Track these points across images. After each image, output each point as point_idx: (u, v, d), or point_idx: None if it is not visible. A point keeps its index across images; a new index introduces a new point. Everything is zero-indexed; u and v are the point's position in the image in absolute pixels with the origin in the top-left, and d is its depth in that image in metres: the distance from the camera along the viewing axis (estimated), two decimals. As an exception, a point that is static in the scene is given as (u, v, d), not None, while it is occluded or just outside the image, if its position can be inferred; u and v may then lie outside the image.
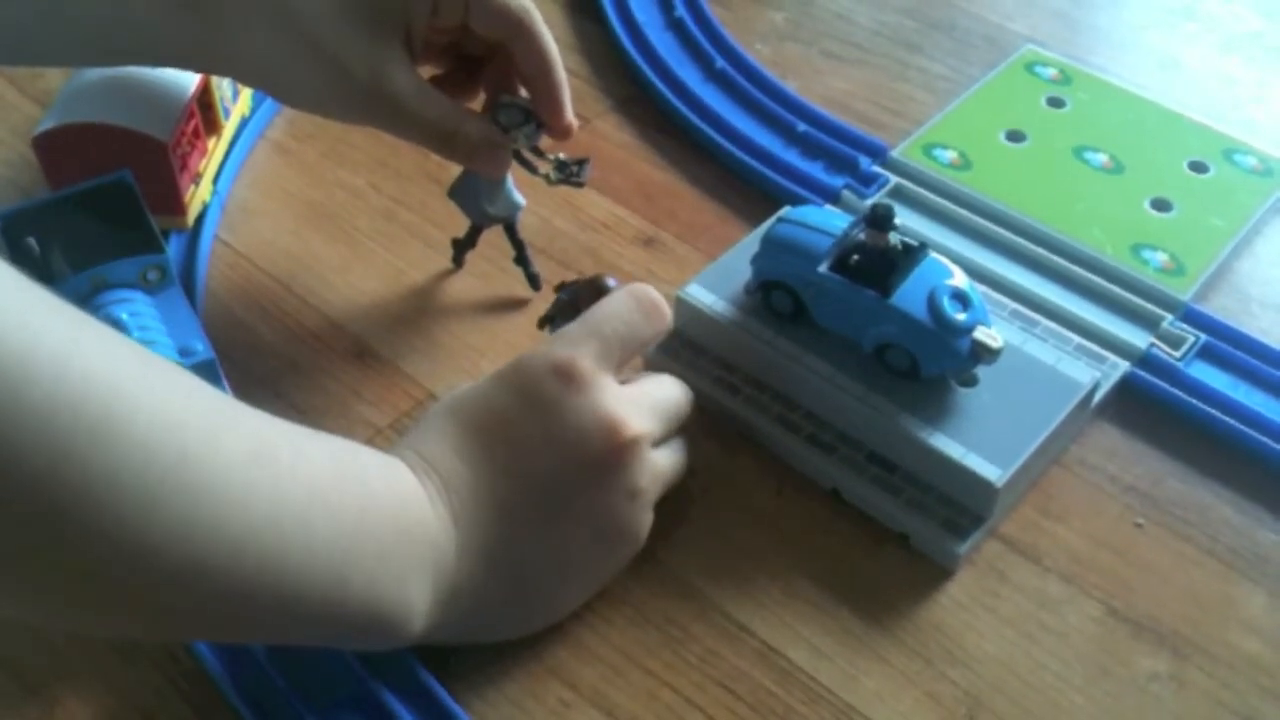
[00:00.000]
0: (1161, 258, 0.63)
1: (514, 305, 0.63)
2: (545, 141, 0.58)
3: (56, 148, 0.62)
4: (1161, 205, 0.66)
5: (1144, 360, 0.59)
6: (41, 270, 0.54)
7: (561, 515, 0.47)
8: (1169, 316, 0.60)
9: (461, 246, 0.64)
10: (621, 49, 0.78)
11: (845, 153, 0.70)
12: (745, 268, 0.58)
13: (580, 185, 0.60)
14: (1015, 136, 0.70)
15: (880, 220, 0.53)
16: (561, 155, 0.59)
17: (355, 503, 0.42)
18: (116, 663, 0.48)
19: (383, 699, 0.46)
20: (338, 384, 0.59)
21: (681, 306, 0.59)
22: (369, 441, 0.46)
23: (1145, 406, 0.58)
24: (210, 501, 0.36)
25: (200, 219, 0.66)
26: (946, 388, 0.54)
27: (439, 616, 0.45)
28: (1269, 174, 0.68)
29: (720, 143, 0.71)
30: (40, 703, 0.47)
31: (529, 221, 0.64)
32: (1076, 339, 0.59)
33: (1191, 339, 0.59)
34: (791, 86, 0.75)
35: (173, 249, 0.63)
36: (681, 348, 0.59)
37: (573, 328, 0.50)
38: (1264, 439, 0.55)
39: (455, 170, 0.60)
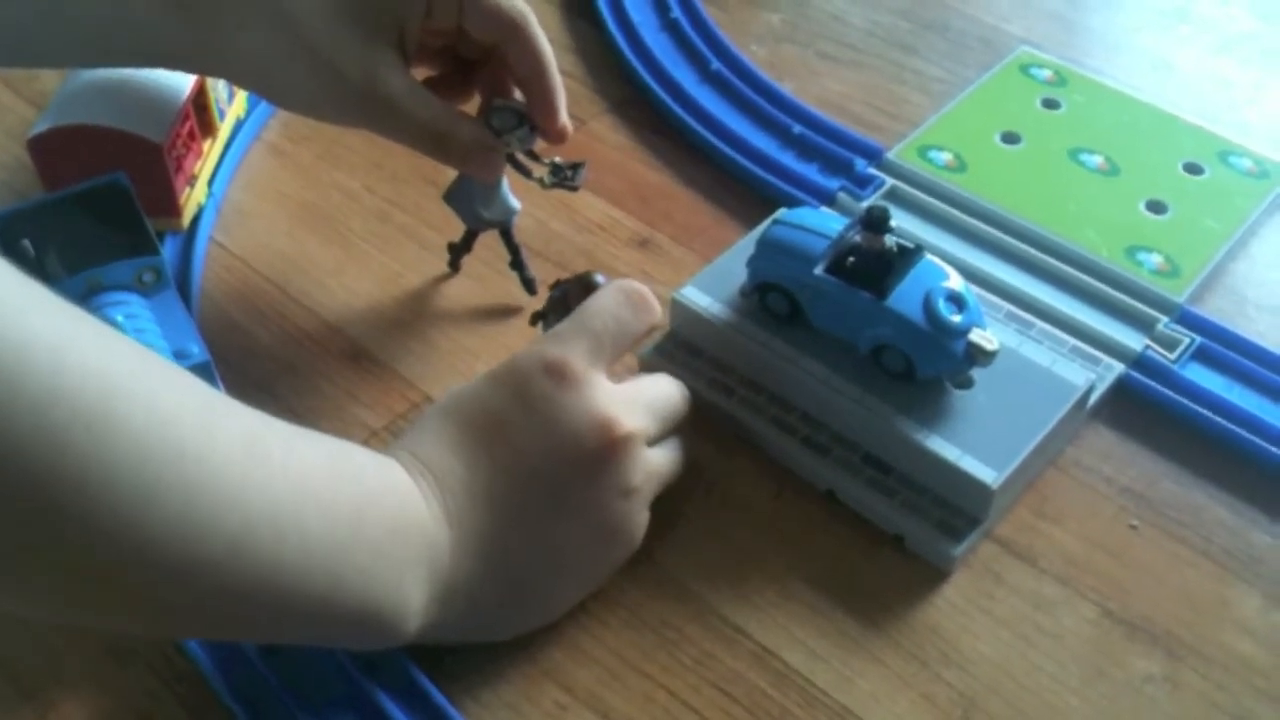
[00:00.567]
0: (1156, 260, 0.63)
1: (509, 308, 0.63)
2: (541, 145, 0.58)
3: (51, 150, 0.61)
4: (1156, 207, 0.66)
5: (1139, 362, 0.59)
6: (36, 272, 0.53)
7: (556, 513, 0.47)
8: (1164, 318, 0.60)
9: (457, 250, 0.64)
10: (617, 50, 0.78)
11: (841, 155, 0.70)
12: (741, 270, 0.58)
13: (574, 189, 0.60)
14: (1010, 138, 0.70)
15: (876, 222, 0.53)
16: (557, 159, 0.59)
17: (350, 500, 0.42)
18: (112, 665, 0.48)
19: (377, 700, 0.46)
20: (333, 386, 0.59)
21: (677, 308, 0.59)
22: (364, 444, 0.46)
23: (1140, 408, 0.58)
24: (206, 497, 0.36)
25: (195, 221, 0.66)
26: (942, 390, 0.54)
27: (434, 615, 0.45)
28: (1264, 176, 0.68)
29: (716, 144, 0.71)
30: (36, 705, 0.47)
31: (524, 223, 0.64)
32: (1072, 341, 0.59)
33: (1186, 341, 0.59)
34: (787, 88, 0.75)
35: (168, 251, 0.63)
36: (677, 349, 0.59)
37: (563, 326, 0.50)
38: (1259, 441, 0.55)
39: (451, 173, 0.60)
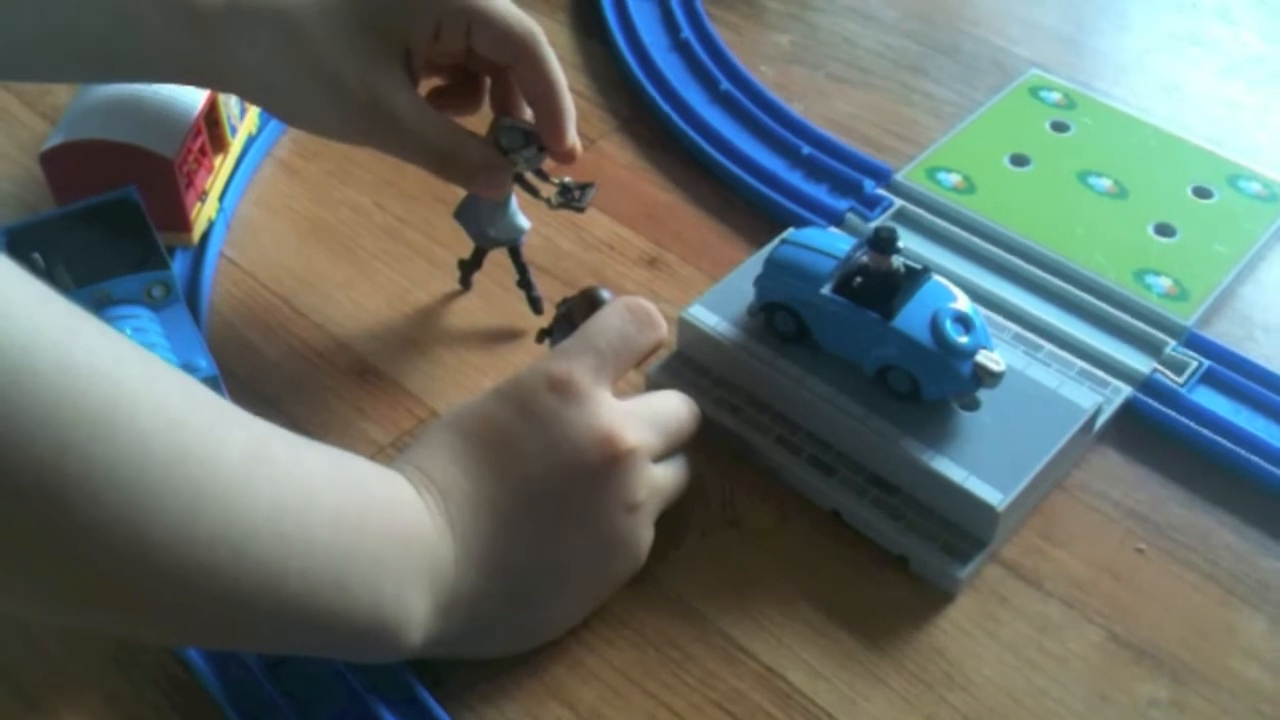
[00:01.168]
0: (1165, 283, 0.63)
1: (517, 326, 0.63)
2: (550, 164, 0.58)
3: (63, 163, 0.62)
4: (1165, 230, 0.66)
5: (1146, 385, 0.59)
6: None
7: (559, 527, 0.47)
8: (1172, 342, 0.60)
9: (468, 268, 0.64)
10: (627, 70, 0.79)
11: (849, 175, 0.70)
12: (748, 289, 0.58)
13: (581, 210, 0.59)
14: (1019, 160, 0.70)
15: (883, 243, 0.53)
16: (566, 179, 0.59)
17: (354, 509, 0.42)
18: (113, 675, 0.48)
19: (378, 714, 0.46)
20: (340, 401, 0.59)
21: (684, 327, 0.59)
22: (371, 459, 0.46)
23: (1147, 431, 0.58)
24: (210, 500, 0.36)
25: (206, 236, 0.66)
26: (948, 411, 0.54)
27: (437, 629, 0.45)
28: (1273, 199, 0.68)
29: (724, 164, 0.71)
30: (38, 716, 0.47)
31: (533, 241, 0.64)
32: (1079, 363, 0.59)
33: (1194, 364, 0.59)
34: (796, 109, 0.75)
35: (178, 265, 0.64)
36: (684, 368, 0.59)
37: (569, 342, 0.50)
38: (1266, 465, 0.55)
39: (461, 190, 0.60)
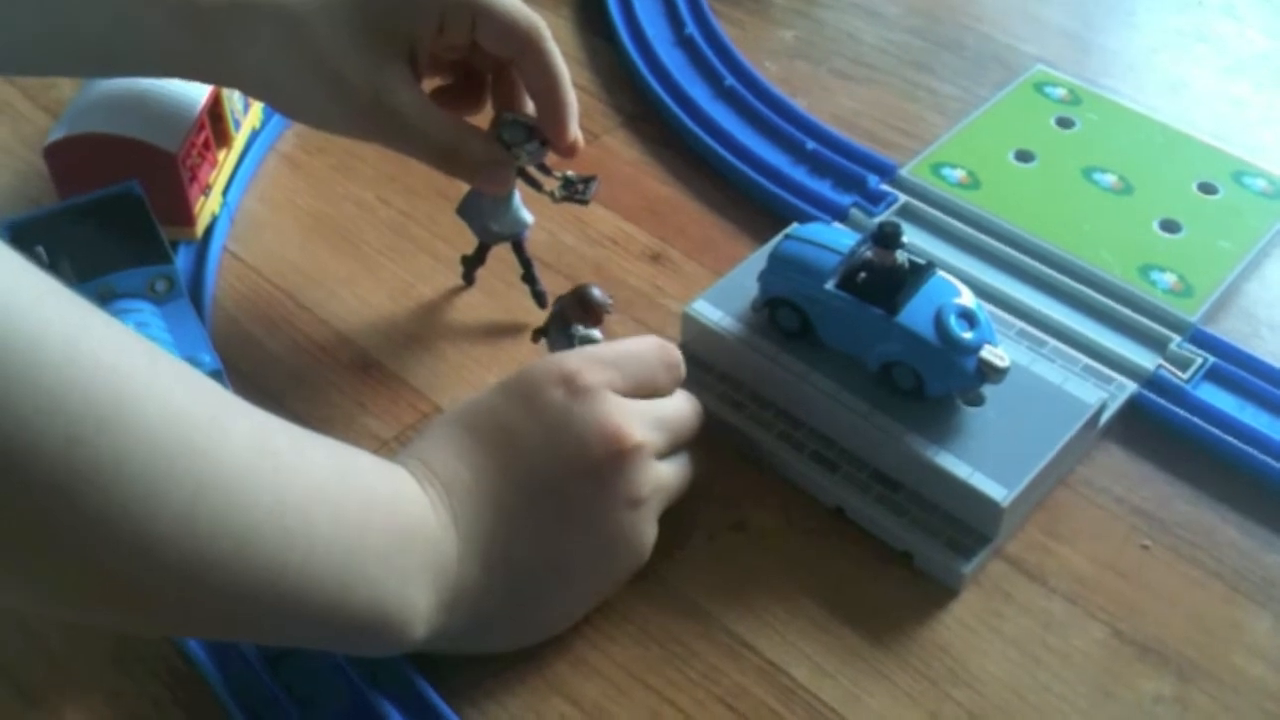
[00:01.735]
0: (1170, 279, 0.63)
1: (521, 320, 0.62)
2: (553, 158, 0.58)
3: (67, 158, 0.62)
4: (1170, 226, 0.66)
5: (1151, 381, 0.58)
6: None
7: (562, 522, 0.47)
8: (1177, 338, 0.60)
9: (471, 263, 0.64)
10: (631, 65, 0.78)
11: (854, 171, 0.70)
12: (752, 284, 0.58)
13: (584, 203, 0.59)
14: (1024, 156, 0.70)
15: (888, 238, 0.53)
16: (569, 173, 0.59)
17: (357, 503, 0.42)
18: (116, 672, 0.48)
19: (381, 710, 0.46)
20: (343, 396, 0.59)
21: (688, 323, 0.59)
22: (374, 454, 0.46)
23: (1152, 428, 0.58)
24: (215, 493, 0.36)
25: (209, 230, 0.66)
26: (952, 407, 0.54)
27: (440, 623, 0.45)
28: (1278, 196, 0.68)
29: (729, 159, 0.71)
30: (40, 712, 0.47)
31: (536, 236, 0.64)
32: (1084, 359, 0.59)
33: (1199, 361, 0.59)
34: (800, 104, 0.75)
35: (181, 260, 0.64)
36: (687, 364, 0.58)
37: (591, 349, 0.50)
38: (1271, 461, 0.55)
39: (465, 185, 0.60)
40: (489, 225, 0.61)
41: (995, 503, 0.50)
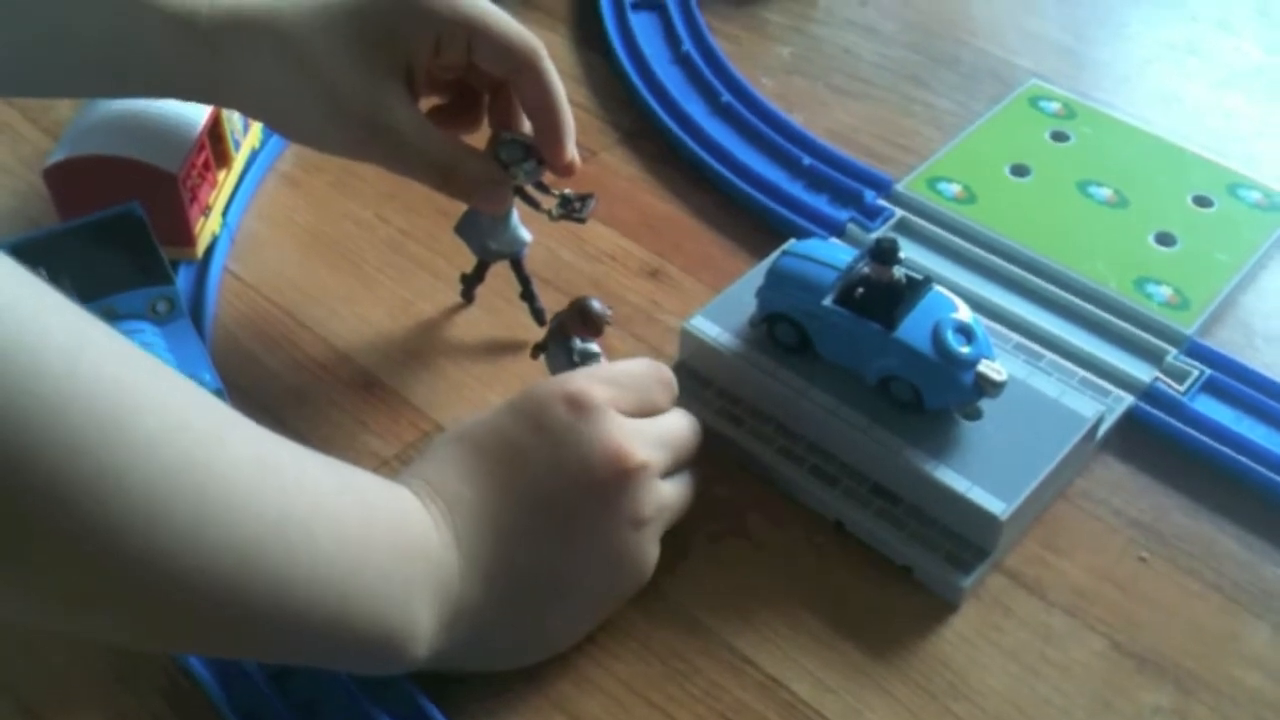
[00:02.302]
0: (1165, 292, 0.63)
1: (520, 338, 0.63)
2: (551, 177, 0.58)
3: (67, 179, 0.62)
4: (1165, 239, 0.66)
5: (1148, 394, 0.59)
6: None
7: (565, 540, 0.47)
8: (1173, 350, 0.60)
9: (470, 281, 0.64)
10: (628, 82, 0.79)
11: (850, 186, 0.70)
12: (750, 300, 0.58)
13: (582, 221, 0.60)
14: (1019, 170, 0.71)
15: (885, 254, 0.53)
16: (567, 191, 0.59)
17: (359, 519, 0.42)
18: (118, 689, 0.48)
19: (385, 730, 0.46)
20: (344, 415, 0.59)
21: (686, 339, 0.59)
22: (375, 472, 0.46)
23: (1149, 440, 0.58)
24: (217, 505, 0.36)
25: (210, 250, 0.66)
26: (950, 421, 0.54)
27: (442, 642, 0.45)
28: (1273, 208, 0.69)
29: (726, 175, 0.71)
30: (44, 732, 0.47)
31: (534, 253, 0.64)
32: (1081, 372, 0.59)
33: (1196, 373, 0.59)
34: (797, 120, 0.76)
35: (182, 280, 0.64)
36: (686, 379, 0.59)
37: (590, 370, 0.51)
38: (1268, 473, 0.55)
39: (463, 204, 0.60)
40: (487, 244, 0.61)
41: (994, 516, 0.50)
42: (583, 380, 0.49)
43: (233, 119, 0.69)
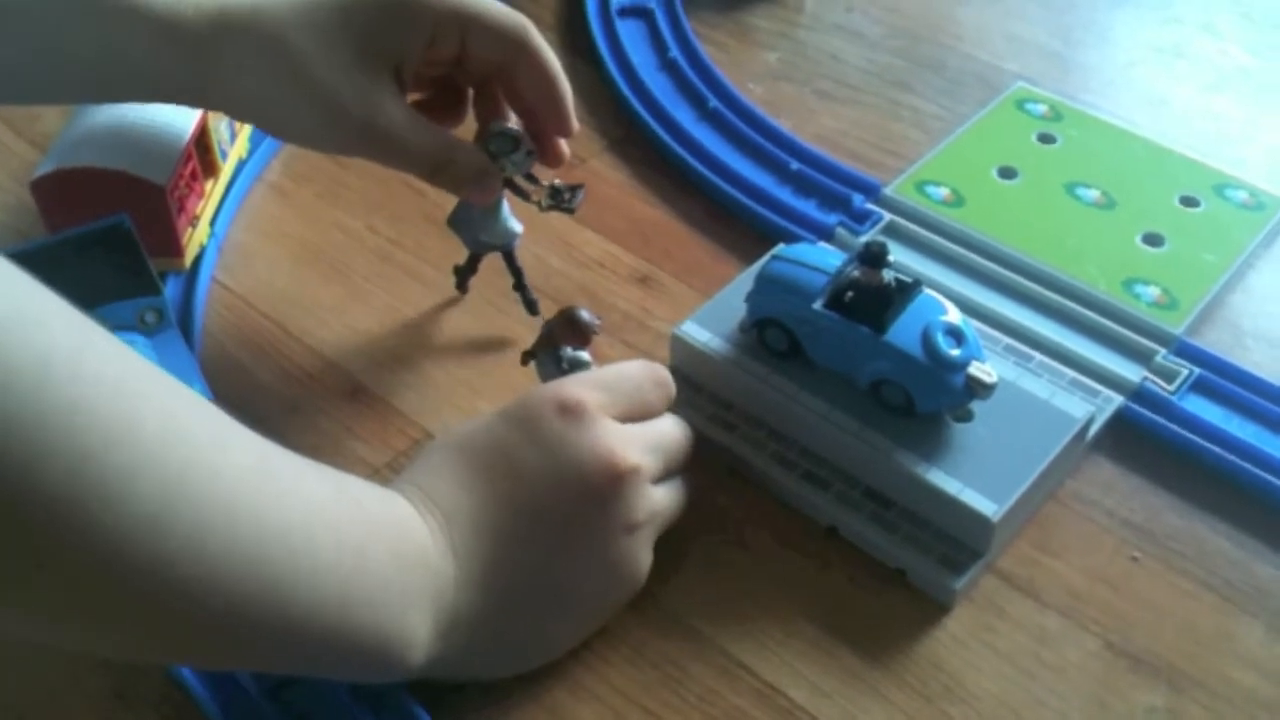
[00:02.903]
0: (1154, 292, 0.63)
1: (508, 343, 0.63)
2: (540, 169, 0.58)
3: (54, 192, 0.62)
4: (1153, 240, 0.66)
5: (1138, 394, 0.59)
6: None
7: (559, 546, 0.47)
8: (1162, 350, 0.60)
9: (463, 273, 0.64)
10: (616, 89, 0.79)
11: (838, 190, 0.70)
12: (740, 305, 0.58)
13: (571, 211, 0.60)
14: (1007, 173, 0.71)
15: (874, 257, 0.53)
16: (556, 181, 0.59)
17: (356, 528, 0.42)
18: (116, 707, 0.48)
19: (380, 740, 0.46)
20: (333, 423, 0.59)
21: (677, 344, 0.59)
22: (366, 480, 0.46)
23: (1140, 440, 0.58)
24: (222, 512, 0.36)
25: (198, 261, 0.66)
26: (942, 423, 0.54)
27: (438, 650, 0.45)
28: (1260, 208, 0.69)
29: (714, 181, 0.71)
30: (36, 747, 0.47)
31: (523, 258, 0.64)
32: (1070, 373, 0.59)
33: (1185, 373, 0.59)
34: (785, 125, 0.76)
35: (170, 291, 0.64)
36: (677, 385, 0.58)
37: (583, 376, 0.51)
38: (1258, 472, 0.56)
39: (451, 205, 0.60)
40: (479, 236, 0.61)
41: (986, 518, 0.50)
42: (574, 386, 0.49)
43: (220, 128, 0.69)
